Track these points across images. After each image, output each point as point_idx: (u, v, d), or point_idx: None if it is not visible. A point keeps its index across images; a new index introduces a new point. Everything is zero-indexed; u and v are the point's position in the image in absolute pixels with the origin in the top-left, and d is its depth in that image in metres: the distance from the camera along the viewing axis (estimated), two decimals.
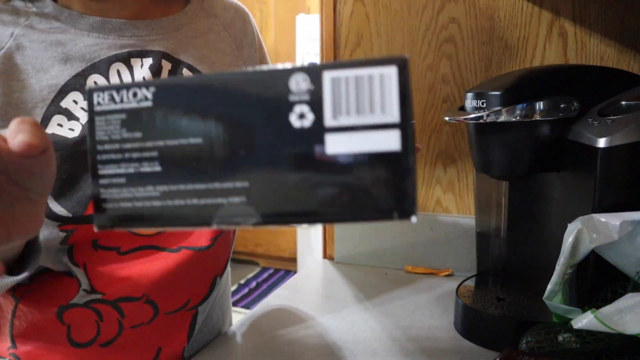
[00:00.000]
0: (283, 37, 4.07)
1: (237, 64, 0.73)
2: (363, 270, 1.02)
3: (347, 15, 1.02)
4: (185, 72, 0.66)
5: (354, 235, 1.05)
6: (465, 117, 0.68)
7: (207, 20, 0.72)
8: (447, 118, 0.72)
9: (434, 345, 0.73)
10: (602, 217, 0.58)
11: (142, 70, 0.63)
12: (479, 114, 0.66)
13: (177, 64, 0.66)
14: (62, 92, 0.59)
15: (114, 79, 0.61)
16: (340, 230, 1.06)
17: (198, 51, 0.69)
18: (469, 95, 0.69)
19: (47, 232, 0.59)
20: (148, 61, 0.64)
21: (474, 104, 0.68)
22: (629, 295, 0.55)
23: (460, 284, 0.83)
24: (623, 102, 0.65)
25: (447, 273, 0.98)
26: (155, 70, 0.64)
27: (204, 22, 0.71)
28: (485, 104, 0.67)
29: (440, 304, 0.86)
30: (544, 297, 0.62)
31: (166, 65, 0.65)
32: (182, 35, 0.68)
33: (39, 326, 0.63)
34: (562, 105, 0.66)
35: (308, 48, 3.39)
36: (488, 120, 0.66)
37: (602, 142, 0.60)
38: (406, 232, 1.01)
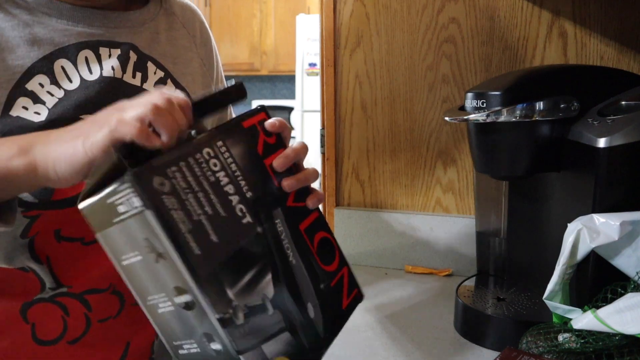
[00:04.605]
0: (283, 37, 4.07)
1: (197, 60, 0.75)
2: (363, 270, 1.02)
3: (347, 15, 1.02)
4: (150, 65, 0.67)
5: (354, 235, 1.05)
6: (465, 117, 0.68)
7: (167, 17, 0.73)
8: (447, 118, 0.72)
9: (434, 345, 0.73)
10: (602, 217, 0.58)
11: (110, 60, 0.63)
12: (479, 114, 0.66)
13: (142, 57, 0.66)
14: (28, 74, 0.58)
15: (82, 66, 0.61)
16: (340, 230, 1.06)
17: (162, 47, 0.70)
18: (469, 95, 0.69)
19: None
20: (116, 52, 0.64)
21: (474, 104, 0.68)
22: (629, 295, 0.55)
23: (460, 284, 0.83)
24: (623, 102, 0.65)
25: (447, 273, 0.98)
26: (123, 60, 0.64)
27: (165, 20, 0.72)
28: (485, 104, 0.67)
29: (440, 304, 0.86)
30: (544, 297, 0.61)
31: (133, 57, 0.65)
32: (146, 30, 0.69)
33: (2, 326, 0.62)
34: (562, 105, 0.66)
35: (308, 48, 3.39)
36: (488, 120, 0.66)
37: (602, 142, 0.60)
38: (406, 232, 1.01)
